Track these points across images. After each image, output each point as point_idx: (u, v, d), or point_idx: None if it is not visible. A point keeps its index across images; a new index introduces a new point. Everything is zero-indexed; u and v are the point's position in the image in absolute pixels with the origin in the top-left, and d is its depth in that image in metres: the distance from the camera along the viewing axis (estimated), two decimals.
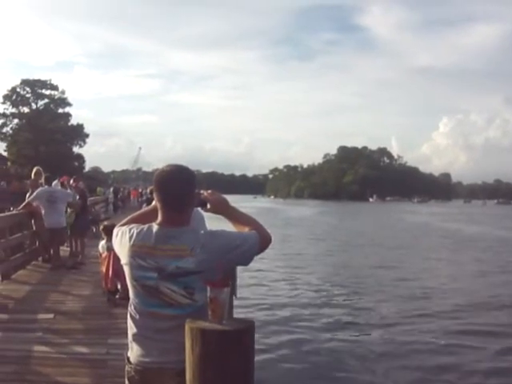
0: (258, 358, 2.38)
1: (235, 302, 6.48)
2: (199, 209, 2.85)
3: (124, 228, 2.72)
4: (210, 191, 2.82)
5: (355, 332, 12.02)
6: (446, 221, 59.60)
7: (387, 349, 10.77)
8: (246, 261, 2.67)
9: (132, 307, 2.66)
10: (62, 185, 14.19)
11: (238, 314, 6.36)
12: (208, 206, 2.76)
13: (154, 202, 2.77)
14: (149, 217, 2.78)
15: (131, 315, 2.66)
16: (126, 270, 2.65)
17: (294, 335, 11.51)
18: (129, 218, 2.93)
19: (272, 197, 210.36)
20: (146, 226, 2.63)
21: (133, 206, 34.95)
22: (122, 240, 2.68)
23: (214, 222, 3.39)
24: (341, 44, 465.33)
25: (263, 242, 2.67)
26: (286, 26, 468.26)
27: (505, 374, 9.51)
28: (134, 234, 2.62)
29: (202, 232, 2.61)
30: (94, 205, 24.23)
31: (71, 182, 16.44)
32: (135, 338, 2.64)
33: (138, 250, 2.57)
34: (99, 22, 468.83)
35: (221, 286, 2.22)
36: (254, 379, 2.21)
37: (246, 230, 2.70)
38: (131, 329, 2.66)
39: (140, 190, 43.54)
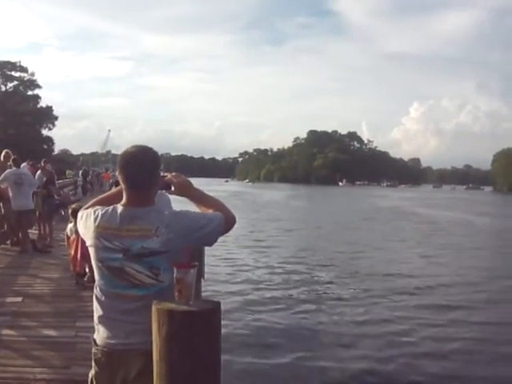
0: (224, 337, 2.40)
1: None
2: (164, 191, 2.86)
3: (89, 210, 2.71)
4: (174, 174, 2.83)
5: (314, 308, 12.51)
6: (416, 206, 60.16)
7: (347, 322, 11.40)
8: (210, 241, 2.70)
9: (97, 289, 2.65)
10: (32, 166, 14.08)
11: (204, 295, 6.43)
12: (172, 188, 2.78)
13: None
14: (114, 199, 2.78)
15: (97, 297, 2.65)
16: (91, 251, 2.64)
17: (259, 314, 11.66)
18: (94, 200, 2.92)
19: (247, 180, 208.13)
20: (110, 208, 2.63)
21: (105, 190, 34.33)
22: (86, 222, 2.67)
23: (179, 205, 3.39)
24: (313, 28, 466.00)
25: (228, 222, 2.69)
26: (258, 10, 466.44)
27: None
28: (99, 216, 2.61)
29: (167, 212, 2.61)
30: (63, 188, 23.97)
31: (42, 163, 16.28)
32: (101, 320, 2.63)
33: (103, 232, 2.56)
34: (71, 4, 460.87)
35: (187, 267, 2.23)
36: (220, 359, 2.23)
37: (211, 211, 2.72)
38: (97, 311, 2.66)
39: (110, 173, 42.71)
